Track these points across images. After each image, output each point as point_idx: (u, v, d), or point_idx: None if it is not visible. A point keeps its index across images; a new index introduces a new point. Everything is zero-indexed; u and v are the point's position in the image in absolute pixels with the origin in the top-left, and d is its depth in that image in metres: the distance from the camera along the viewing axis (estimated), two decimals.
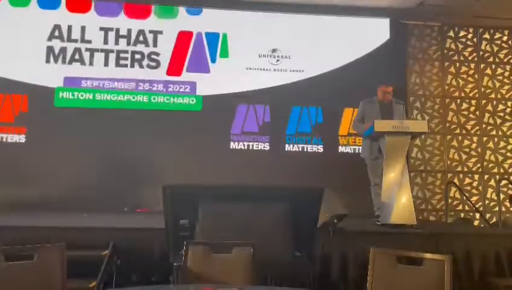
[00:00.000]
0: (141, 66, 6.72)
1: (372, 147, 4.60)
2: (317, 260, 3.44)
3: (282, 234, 2.89)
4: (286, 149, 6.85)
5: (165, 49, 6.77)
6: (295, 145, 6.87)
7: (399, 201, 4.07)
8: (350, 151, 6.93)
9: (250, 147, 6.79)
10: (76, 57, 6.61)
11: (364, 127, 4.61)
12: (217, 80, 6.77)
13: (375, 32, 7.19)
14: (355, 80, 6.63)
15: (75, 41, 6.64)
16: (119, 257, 3.25)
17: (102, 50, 6.68)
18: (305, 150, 6.88)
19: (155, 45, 6.78)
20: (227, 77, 6.80)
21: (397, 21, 7.33)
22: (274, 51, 7.00)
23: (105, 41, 6.71)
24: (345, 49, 7.02)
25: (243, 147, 6.77)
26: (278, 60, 6.98)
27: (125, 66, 6.69)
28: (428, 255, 1.95)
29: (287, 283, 2.89)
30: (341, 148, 6.97)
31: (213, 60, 6.86)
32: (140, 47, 6.76)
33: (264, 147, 6.80)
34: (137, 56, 6.74)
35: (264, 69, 6.94)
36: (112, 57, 6.69)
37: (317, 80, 6.92)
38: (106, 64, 6.66)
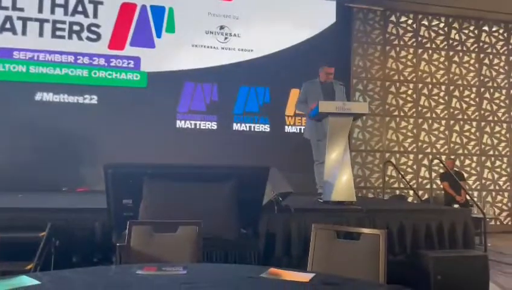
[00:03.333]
0: (80, 38, 6.34)
1: (316, 127, 4.72)
2: (262, 236, 3.51)
3: (228, 212, 2.91)
4: (234, 128, 6.86)
5: (107, 21, 6.44)
6: (242, 125, 6.89)
7: (340, 179, 4.23)
8: (296, 131, 7.08)
9: (197, 126, 6.72)
10: (7, 26, 6.11)
11: (310, 107, 4.70)
12: (162, 56, 6.57)
13: (322, 15, 7.30)
14: (302, 61, 6.72)
15: (6, 8, 6.12)
16: (58, 238, 3.12)
17: (36, 19, 6.22)
18: (252, 129, 6.93)
19: (95, 16, 6.42)
20: (173, 53, 6.62)
21: (343, 4, 7.48)
22: (222, 28, 6.90)
23: (40, 10, 6.25)
24: (293, 30, 7.07)
25: (189, 126, 6.69)
26: (226, 38, 6.89)
27: (63, 37, 6.29)
28: (365, 230, 2.06)
29: (232, 259, 2.93)
30: (287, 128, 7.10)
31: (158, 35, 6.63)
32: (78, 18, 6.37)
33: (211, 126, 6.75)
34: (76, 27, 6.35)
35: (211, 47, 6.83)
36: (48, 27, 6.25)
37: (265, 60, 6.95)
38: (41, 34, 6.22)
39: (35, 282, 1.49)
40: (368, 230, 2.07)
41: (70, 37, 6.32)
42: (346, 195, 4.24)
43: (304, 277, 1.67)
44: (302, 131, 6.94)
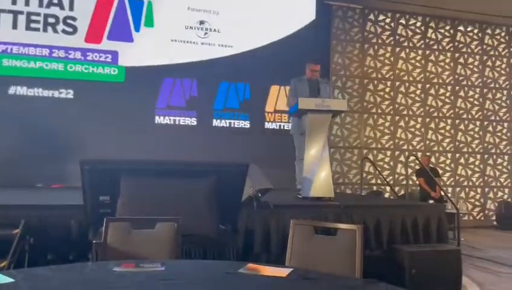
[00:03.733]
0: (55, 31, 6.19)
1: (299, 123, 4.74)
2: (242, 232, 3.52)
3: (207, 209, 2.91)
4: (213, 124, 6.84)
5: (83, 13, 6.30)
6: (222, 121, 6.87)
7: (319, 176, 4.27)
8: (276, 127, 7.11)
9: (177, 122, 6.66)
10: None
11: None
12: (141, 50, 6.48)
13: (302, 12, 7.33)
14: (282, 57, 6.75)
15: None
16: (32, 236, 3.05)
17: (10, 11, 6.04)
18: (232, 125, 6.92)
19: (71, 9, 6.28)
20: (152, 47, 6.54)
21: (323, 2, 7.52)
22: (202, 23, 6.85)
23: (14, 2, 6.08)
24: (273, 27, 7.08)
25: (168, 122, 6.63)
26: (206, 34, 6.85)
27: (37, 30, 6.13)
28: (341, 226, 2.09)
29: (211, 256, 2.93)
30: (267, 125, 7.12)
31: (137, 29, 6.53)
32: (54, 10, 6.22)
33: (191, 122, 6.71)
34: (51, 20, 6.19)
35: (191, 42, 6.78)
36: (22, 19, 6.08)
37: (245, 56, 6.93)
38: (15, 27, 6.05)
39: (9, 280, 1.45)
40: (344, 226, 2.10)
41: (45, 30, 6.17)
42: (325, 191, 4.29)
43: (281, 272, 1.69)
44: (282, 127, 7.02)
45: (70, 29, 6.25)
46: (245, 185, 3.24)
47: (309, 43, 7.00)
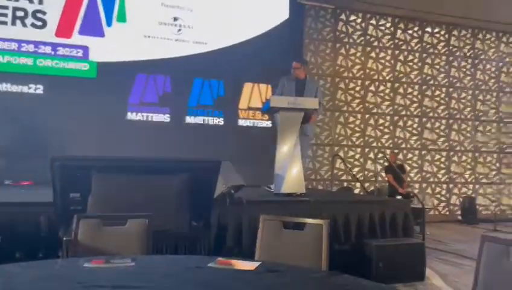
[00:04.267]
0: (24, 25, 6.02)
1: None
2: (214, 228, 3.57)
3: (179, 206, 2.93)
4: (187, 121, 6.82)
5: (53, 7, 6.15)
6: (196, 118, 6.87)
7: (291, 172, 4.37)
8: (250, 124, 7.16)
9: (150, 118, 6.62)
10: None
11: None
12: (113, 46, 6.38)
13: (275, 11, 7.38)
14: (256, 55, 6.80)
15: None
16: (0, 233, 3.01)
17: None
18: (206, 122, 6.93)
19: (41, 2, 6.11)
20: (124, 43, 6.45)
21: (296, 1, 7.61)
22: (175, 19, 6.81)
23: None
24: (247, 25, 7.10)
25: (141, 118, 6.57)
26: (179, 30, 6.82)
27: (5, 23, 5.94)
28: (309, 220, 2.17)
29: (182, 252, 2.97)
30: (241, 122, 7.16)
31: (109, 24, 6.43)
32: (23, 3, 6.04)
33: (164, 118, 6.67)
34: (20, 13, 6.02)
35: (165, 38, 6.73)
36: None
37: (219, 53, 6.93)
38: None
39: None
40: (311, 220, 2.17)
41: (13, 23, 5.98)
42: (296, 187, 4.40)
43: (250, 265, 1.75)
44: (255, 125, 7.09)
45: (39, 23, 6.10)
46: (218, 182, 3.29)
47: (282, 42, 7.07)
